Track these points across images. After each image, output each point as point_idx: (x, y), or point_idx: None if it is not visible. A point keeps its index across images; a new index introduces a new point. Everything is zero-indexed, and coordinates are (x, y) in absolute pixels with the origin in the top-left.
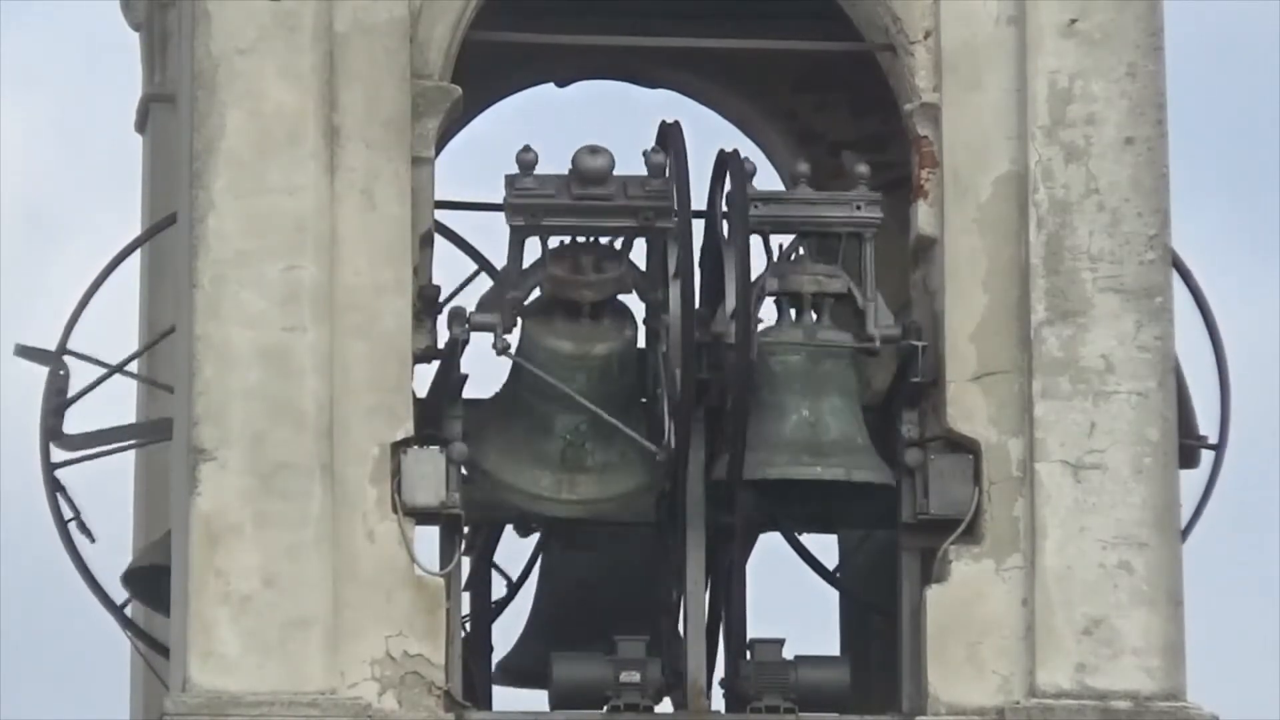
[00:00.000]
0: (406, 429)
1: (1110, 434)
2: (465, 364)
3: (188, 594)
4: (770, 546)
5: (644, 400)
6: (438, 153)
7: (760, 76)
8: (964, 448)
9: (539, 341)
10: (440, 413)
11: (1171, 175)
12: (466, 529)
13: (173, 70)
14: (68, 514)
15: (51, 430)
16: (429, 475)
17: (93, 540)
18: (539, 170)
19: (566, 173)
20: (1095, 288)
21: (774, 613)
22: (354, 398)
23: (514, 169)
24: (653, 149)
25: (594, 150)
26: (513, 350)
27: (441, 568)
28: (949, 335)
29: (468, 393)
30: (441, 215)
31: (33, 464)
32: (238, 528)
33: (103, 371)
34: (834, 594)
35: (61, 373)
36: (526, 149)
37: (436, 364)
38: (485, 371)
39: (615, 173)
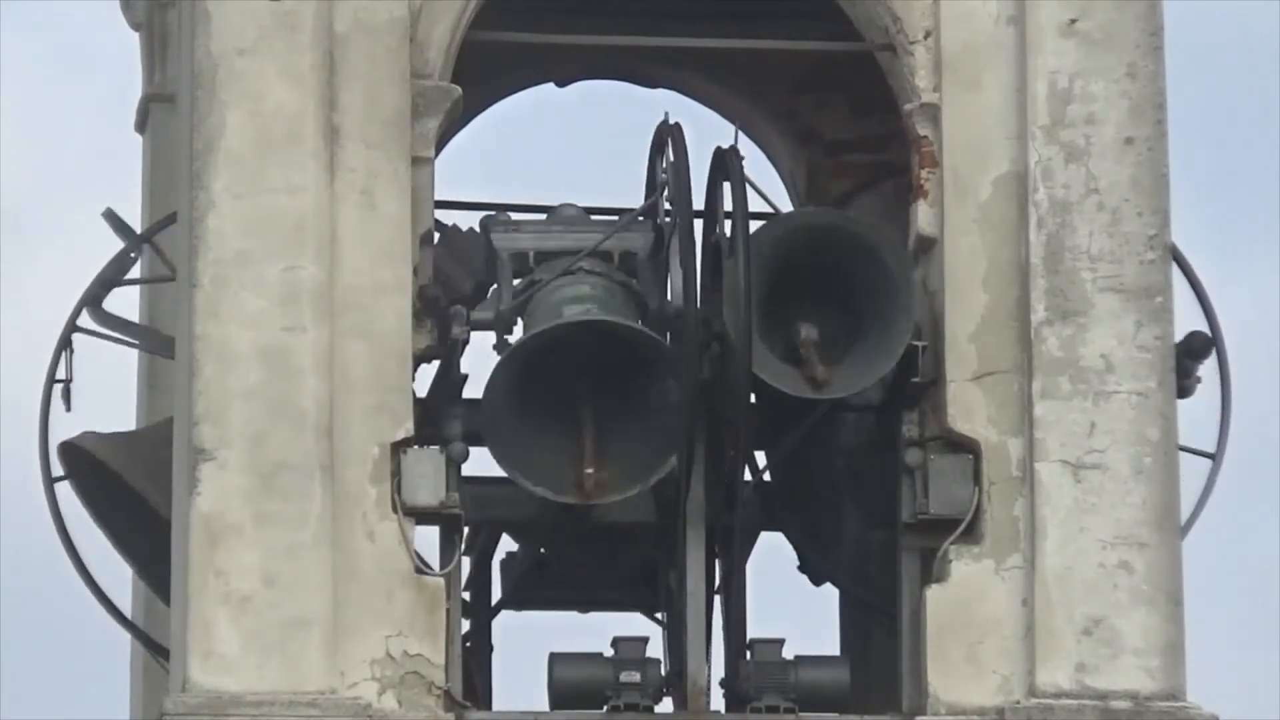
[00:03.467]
0: (406, 429)
1: (1110, 434)
2: (465, 364)
3: (188, 594)
4: (770, 546)
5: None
6: (438, 153)
7: (760, 76)
8: (964, 447)
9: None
10: (440, 413)
11: (1171, 175)
12: (466, 529)
13: (173, 70)
14: (61, 374)
15: (93, 297)
16: (429, 475)
17: (68, 409)
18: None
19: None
20: (1095, 287)
21: (774, 613)
22: (354, 398)
23: (509, 176)
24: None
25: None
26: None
27: (441, 568)
28: (949, 335)
29: (467, 393)
30: (441, 215)
31: (32, 465)
32: (238, 528)
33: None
34: (834, 594)
35: (132, 255)
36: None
37: (436, 364)
38: (485, 372)
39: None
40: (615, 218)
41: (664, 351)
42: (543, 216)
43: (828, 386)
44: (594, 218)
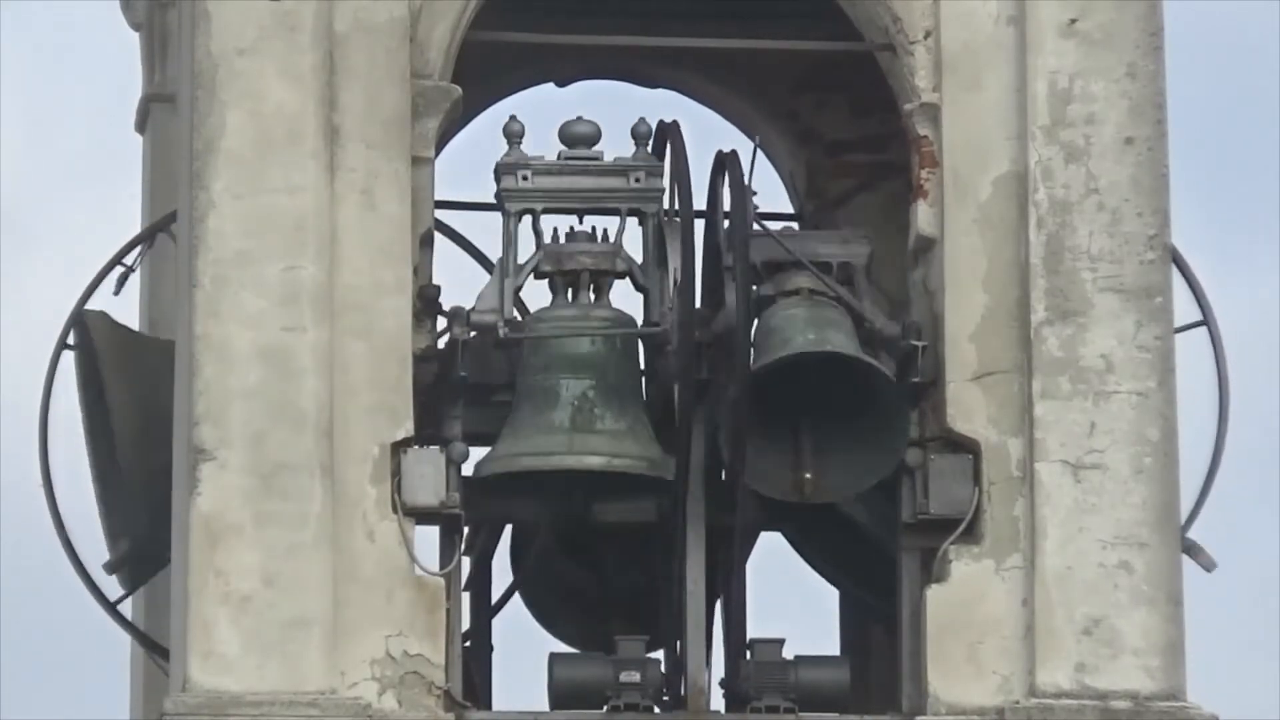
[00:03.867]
0: (406, 429)
1: (1110, 434)
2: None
3: (188, 594)
4: (770, 546)
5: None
6: (438, 153)
7: (760, 76)
8: (964, 447)
9: (540, 315)
10: (440, 413)
11: (1171, 175)
12: (466, 529)
13: (173, 70)
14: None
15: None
16: (429, 475)
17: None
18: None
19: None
20: (1095, 288)
21: (774, 613)
22: (354, 398)
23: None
24: (639, 120)
25: (581, 120)
26: (510, 327)
27: (441, 568)
28: (949, 335)
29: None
30: (441, 215)
31: (32, 466)
32: (238, 528)
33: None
34: (834, 594)
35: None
36: (513, 119)
37: (436, 364)
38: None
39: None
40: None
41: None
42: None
43: (814, 494)
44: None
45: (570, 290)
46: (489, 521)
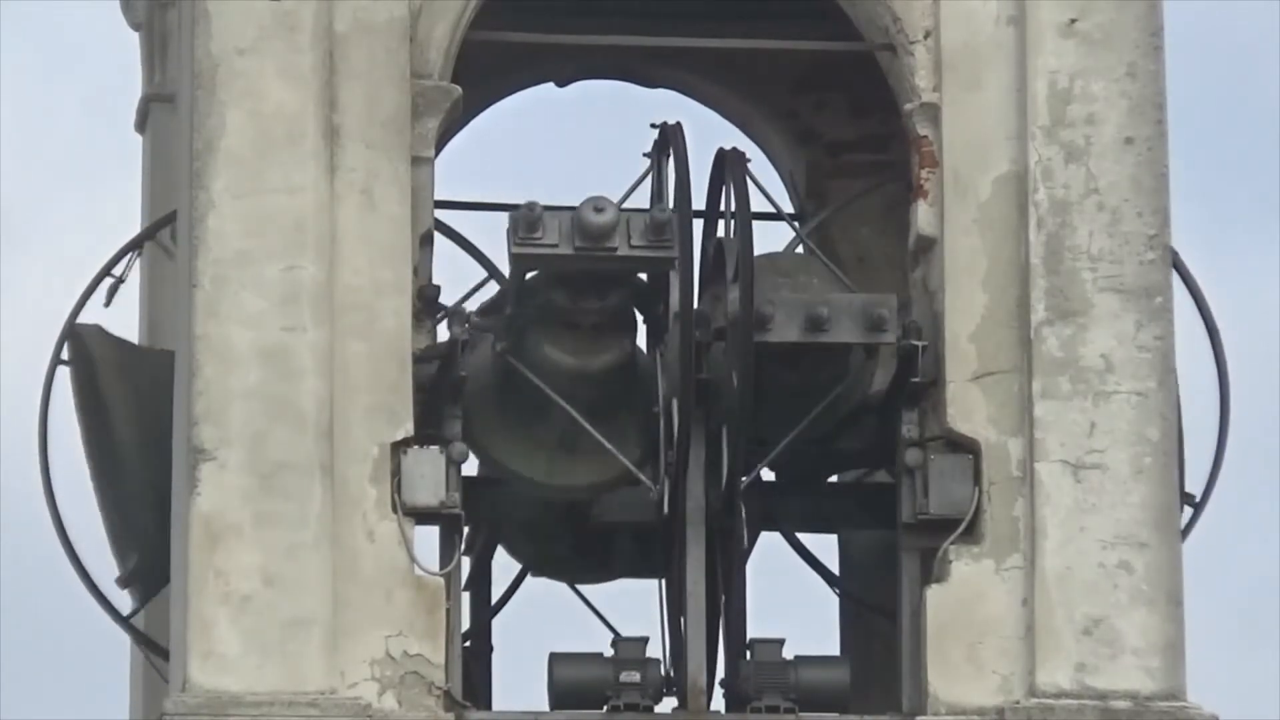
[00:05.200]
0: (406, 429)
1: (1110, 434)
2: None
3: (188, 594)
4: (770, 546)
5: (654, 410)
6: (438, 153)
7: (760, 76)
8: (964, 447)
9: (538, 349)
10: (440, 413)
11: (1171, 175)
12: (466, 529)
13: (173, 70)
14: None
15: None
16: (429, 475)
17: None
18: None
19: (570, 220)
20: (1095, 288)
21: (774, 613)
22: (354, 398)
23: (509, 176)
24: (658, 208)
25: (598, 208)
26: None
27: (441, 568)
28: (949, 335)
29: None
30: (441, 215)
31: (32, 467)
32: (238, 528)
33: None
34: (834, 594)
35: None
36: (531, 206)
37: (436, 364)
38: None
39: (619, 209)
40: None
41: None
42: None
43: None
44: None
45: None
46: (489, 521)
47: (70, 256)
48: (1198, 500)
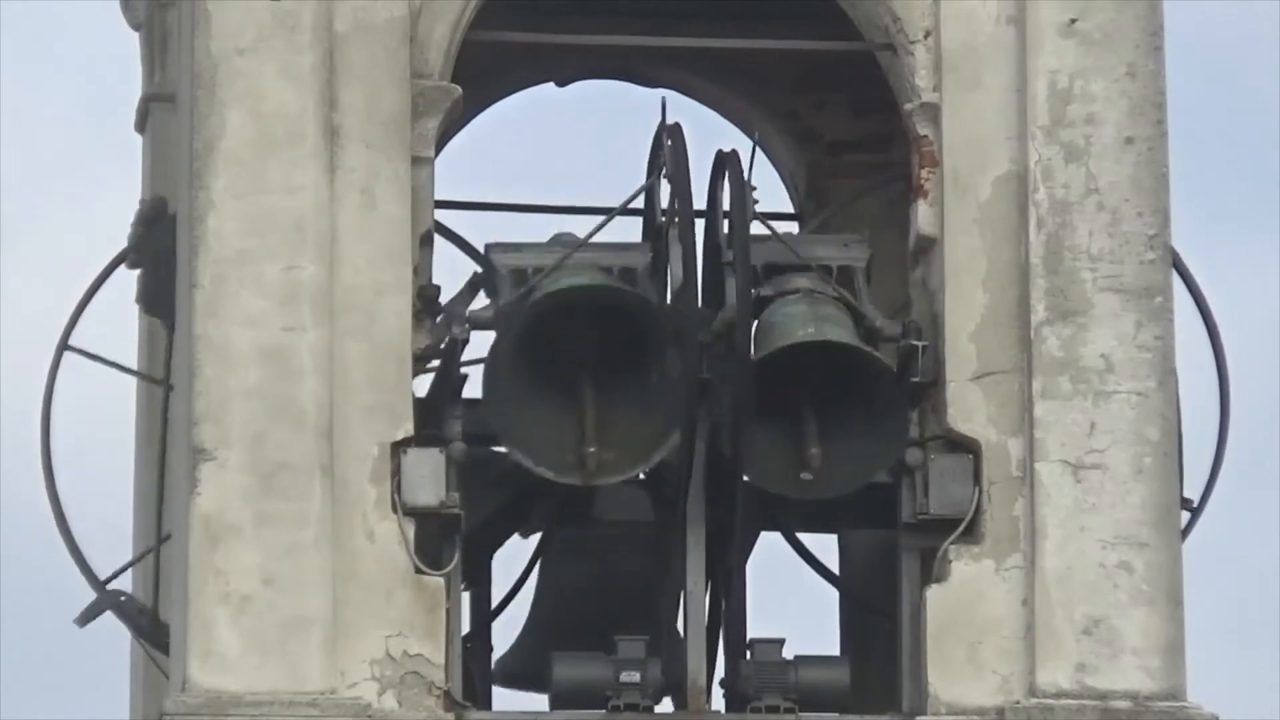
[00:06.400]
0: (406, 429)
1: (1110, 434)
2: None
3: (188, 594)
4: (770, 546)
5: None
6: (438, 153)
7: (760, 76)
8: (964, 447)
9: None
10: (440, 413)
11: (1171, 175)
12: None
13: (173, 70)
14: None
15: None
16: (429, 475)
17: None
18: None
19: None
20: (1095, 287)
21: (774, 613)
22: (354, 398)
23: (509, 176)
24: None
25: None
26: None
27: (441, 568)
28: (949, 335)
29: (467, 392)
30: (441, 215)
31: (33, 467)
32: (238, 528)
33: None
34: (834, 594)
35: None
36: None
37: (437, 364)
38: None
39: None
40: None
41: (661, 321)
42: (543, 234)
43: (816, 488)
44: (594, 241)
45: None
46: (488, 523)
47: (70, 257)
48: (1196, 505)
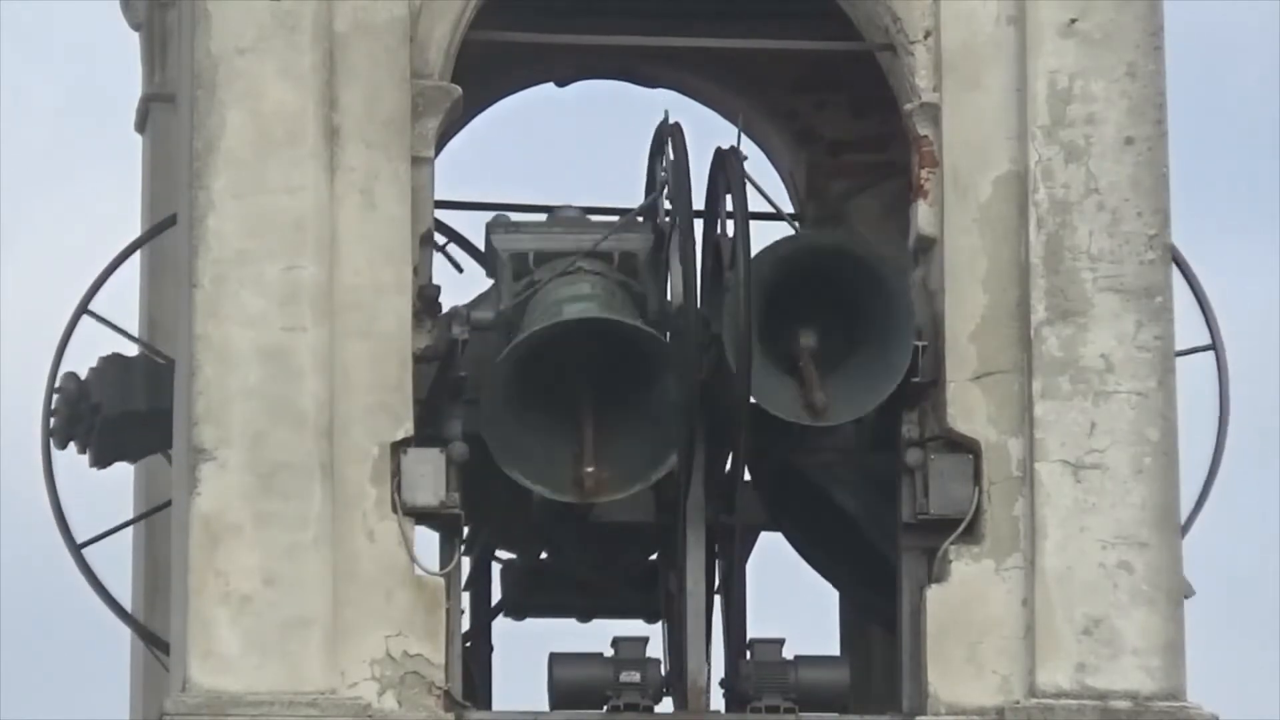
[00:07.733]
0: (406, 429)
1: (1110, 434)
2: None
3: (188, 594)
4: (770, 546)
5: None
6: (438, 153)
7: (760, 76)
8: (964, 447)
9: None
10: (440, 413)
11: (1171, 175)
12: (466, 529)
13: (173, 70)
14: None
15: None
16: (429, 475)
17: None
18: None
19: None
20: (1095, 287)
21: (774, 613)
22: (354, 398)
23: (509, 176)
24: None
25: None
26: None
27: (441, 568)
28: (949, 335)
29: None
30: (441, 215)
31: (33, 467)
32: (238, 528)
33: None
34: (834, 594)
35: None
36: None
37: (436, 364)
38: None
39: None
40: (615, 218)
41: (663, 348)
42: (543, 218)
43: (826, 413)
44: (594, 219)
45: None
46: (488, 523)
47: (69, 257)
48: (1196, 505)
